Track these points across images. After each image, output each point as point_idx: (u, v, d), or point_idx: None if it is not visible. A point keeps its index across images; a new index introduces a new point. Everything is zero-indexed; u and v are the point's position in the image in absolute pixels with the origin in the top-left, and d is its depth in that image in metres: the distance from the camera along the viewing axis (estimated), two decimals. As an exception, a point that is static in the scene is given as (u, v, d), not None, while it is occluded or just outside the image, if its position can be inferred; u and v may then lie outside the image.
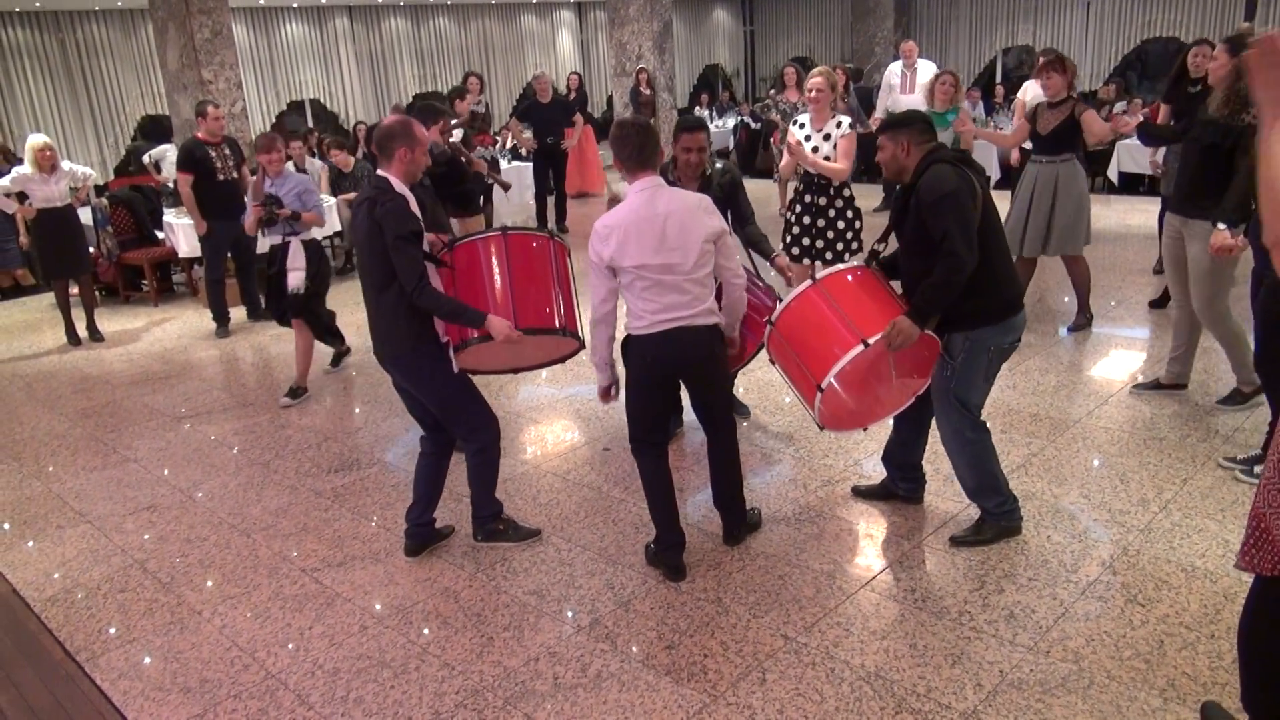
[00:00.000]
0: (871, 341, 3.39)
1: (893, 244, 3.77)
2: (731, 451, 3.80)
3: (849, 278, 3.67)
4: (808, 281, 3.65)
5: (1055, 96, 5.95)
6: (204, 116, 7.49)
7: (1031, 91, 7.82)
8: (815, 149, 5.57)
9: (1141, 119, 5.28)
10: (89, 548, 4.30)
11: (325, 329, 6.24)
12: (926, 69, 10.70)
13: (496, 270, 3.81)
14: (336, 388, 6.28)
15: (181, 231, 8.41)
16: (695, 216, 3.43)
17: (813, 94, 5.59)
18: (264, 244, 5.93)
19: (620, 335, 3.64)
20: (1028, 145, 6.39)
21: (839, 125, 5.53)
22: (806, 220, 5.76)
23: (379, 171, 3.68)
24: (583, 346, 3.97)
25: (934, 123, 6.23)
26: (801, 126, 5.69)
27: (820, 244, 5.73)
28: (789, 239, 5.86)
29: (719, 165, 4.73)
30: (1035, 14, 16.32)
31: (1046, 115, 6.01)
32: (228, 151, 7.60)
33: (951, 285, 3.37)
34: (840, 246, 5.71)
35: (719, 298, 3.68)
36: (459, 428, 3.89)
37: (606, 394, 3.79)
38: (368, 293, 3.73)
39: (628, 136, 3.45)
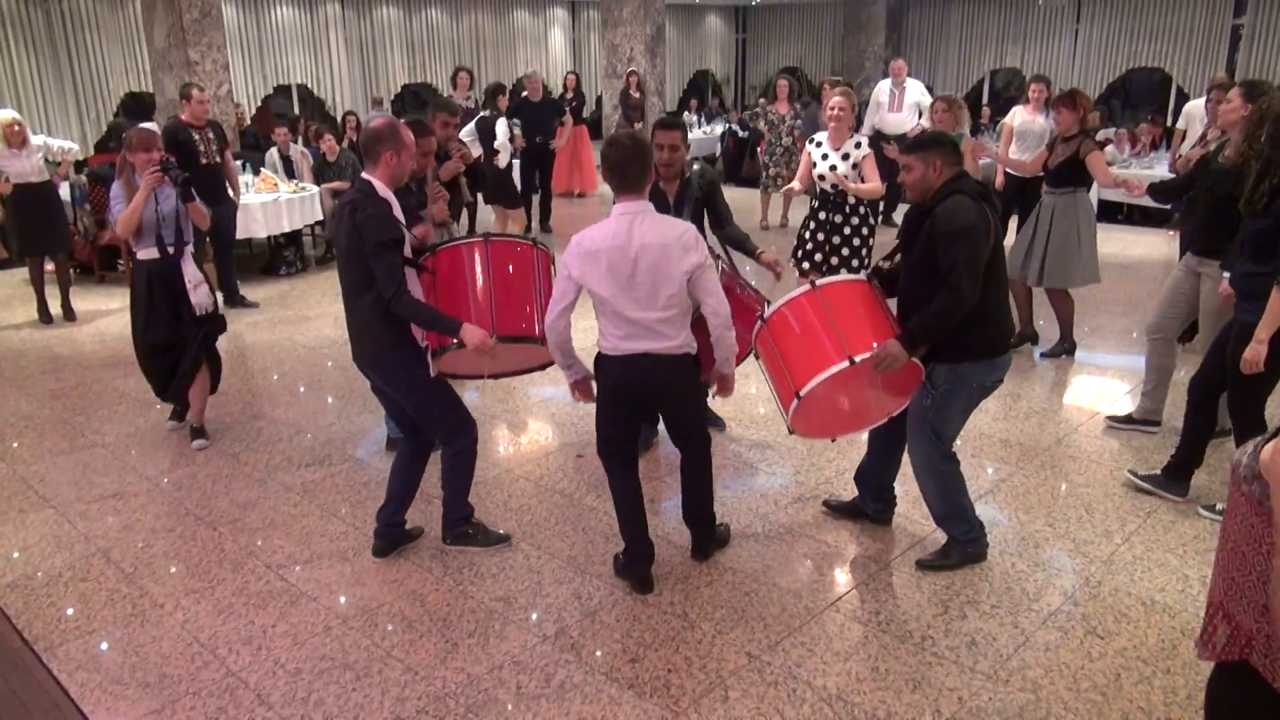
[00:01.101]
0: (858, 360, 3.41)
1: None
2: (703, 466, 3.76)
3: (848, 290, 3.67)
4: (806, 285, 3.65)
5: (1066, 132, 5.98)
6: (188, 99, 7.39)
7: (1020, 118, 7.91)
8: (833, 167, 5.65)
9: (1142, 188, 5.29)
10: (51, 534, 4.25)
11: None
12: (915, 88, 10.79)
13: (478, 277, 3.81)
14: (311, 379, 6.25)
15: None
16: (670, 254, 3.28)
17: (835, 112, 5.68)
18: (143, 253, 4.80)
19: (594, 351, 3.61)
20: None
21: (858, 146, 5.63)
22: (821, 236, 5.86)
23: (364, 174, 3.66)
24: None
25: None
26: (819, 145, 5.76)
27: (835, 260, 5.84)
28: (800, 253, 5.97)
29: (696, 167, 4.76)
30: (1024, 38, 16.46)
31: (1059, 149, 6.06)
32: (211, 135, 7.51)
33: (949, 318, 3.38)
34: (856, 263, 5.80)
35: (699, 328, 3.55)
36: (437, 431, 3.88)
37: (580, 389, 3.68)
38: (346, 295, 3.71)
39: (609, 156, 3.35)
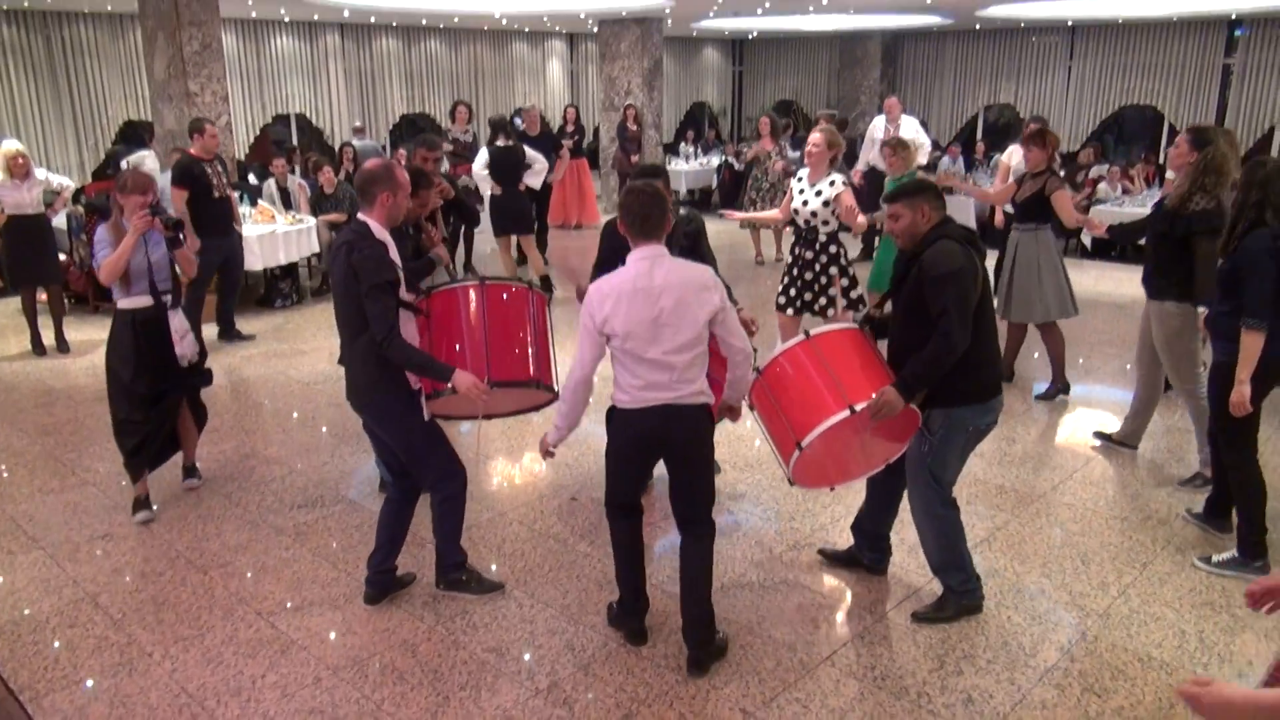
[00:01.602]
0: (858, 408, 3.41)
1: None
2: (705, 560, 3.48)
3: (841, 338, 3.68)
4: (800, 336, 3.65)
5: (1035, 169, 6.13)
6: (200, 133, 7.38)
7: (1017, 156, 8.00)
8: (805, 203, 5.73)
9: (1104, 228, 5.54)
10: (40, 576, 4.20)
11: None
12: (909, 124, 10.89)
13: (473, 320, 3.81)
14: (305, 416, 6.22)
15: None
16: (693, 293, 3.25)
17: (810, 149, 5.75)
18: (130, 300, 4.56)
19: (606, 404, 3.56)
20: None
21: (831, 184, 5.67)
22: (795, 272, 5.93)
23: (360, 215, 3.66)
24: (556, 398, 3.95)
25: (889, 185, 6.52)
26: (799, 180, 5.85)
27: (808, 295, 5.89)
28: (780, 288, 6.03)
29: (683, 213, 4.78)
30: (1018, 75, 16.61)
31: (1026, 184, 6.20)
32: (220, 168, 7.56)
33: (942, 364, 3.40)
34: (824, 301, 5.84)
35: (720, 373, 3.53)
36: (426, 475, 3.85)
37: (547, 447, 3.57)
38: (342, 335, 3.72)
39: (630, 205, 3.32)
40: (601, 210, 14.31)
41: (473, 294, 3.87)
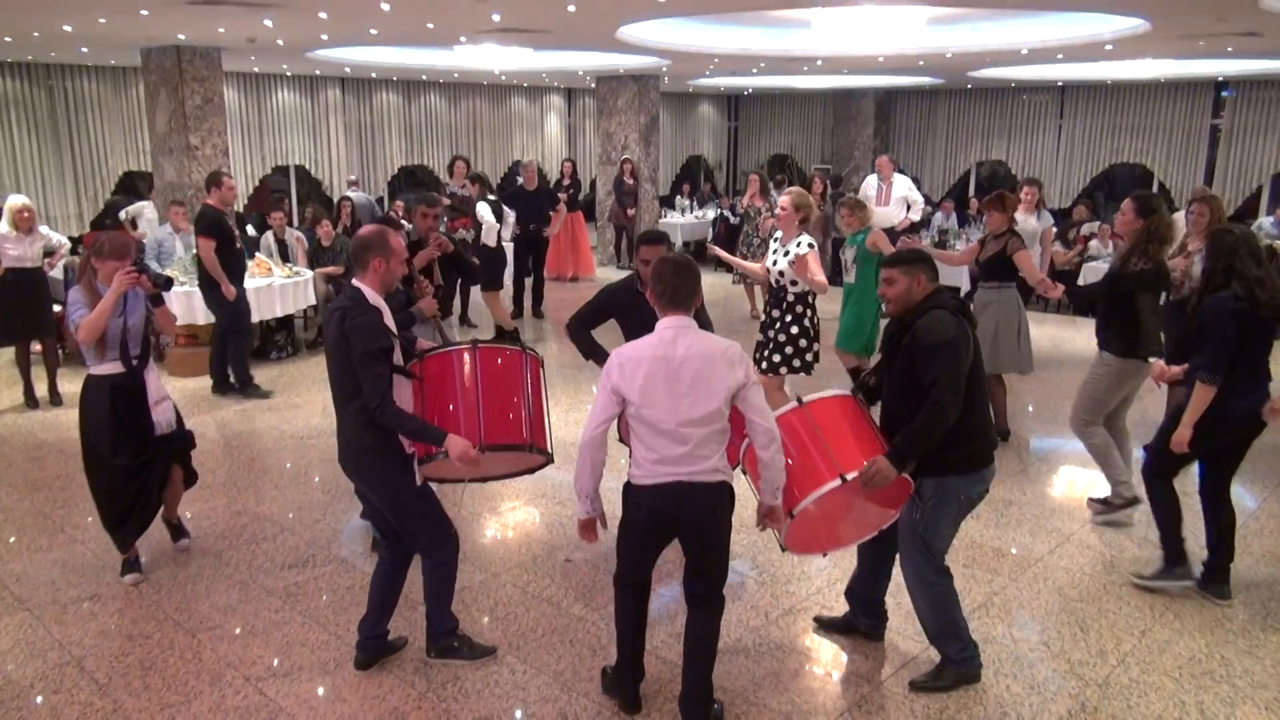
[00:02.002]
0: (849, 477, 3.40)
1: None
2: (711, 633, 3.44)
3: (833, 406, 3.68)
4: (793, 403, 3.66)
5: (995, 230, 6.38)
6: (219, 185, 7.54)
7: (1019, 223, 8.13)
8: (774, 263, 5.90)
9: (1060, 291, 5.73)
10: (25, 639, 4.14)
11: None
12: (901, 183, 11.07)
13: (465, 384, 3.81)
14: (297, 472, 6.19)
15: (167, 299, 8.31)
16: (715, 366, 3.20)
17: (779, 212, 5.92)
18: (103, 367, 4.47)
19: (622, 478, 3.48)
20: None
21: (798, 245, 5.78)
22: (766, 332, 6.08)
23: (354, 281, 3.67)
24: (550, 461, 3.95)
25: (851, 243, 6.70)
26: (776, 239, 6.00)
27: (776, 357, 5.97)
28: (755, 351, 6.12)
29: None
30: (1009, 133, 16.88)
31: (989, 245, 6.47)
32: (233, 221, 7.80)
33: (933, 433, 3.40)
34: (795, 360, 5.91)
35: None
36: (417, 541, 3.82)
37: (587, 529, 3.44)
38: (335, 400, 3.70)
39: (663, 275, 3.32)
40: (597, 262, 14.40)
41: (466, 357, 3.87)
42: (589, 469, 3.35)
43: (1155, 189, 15.57)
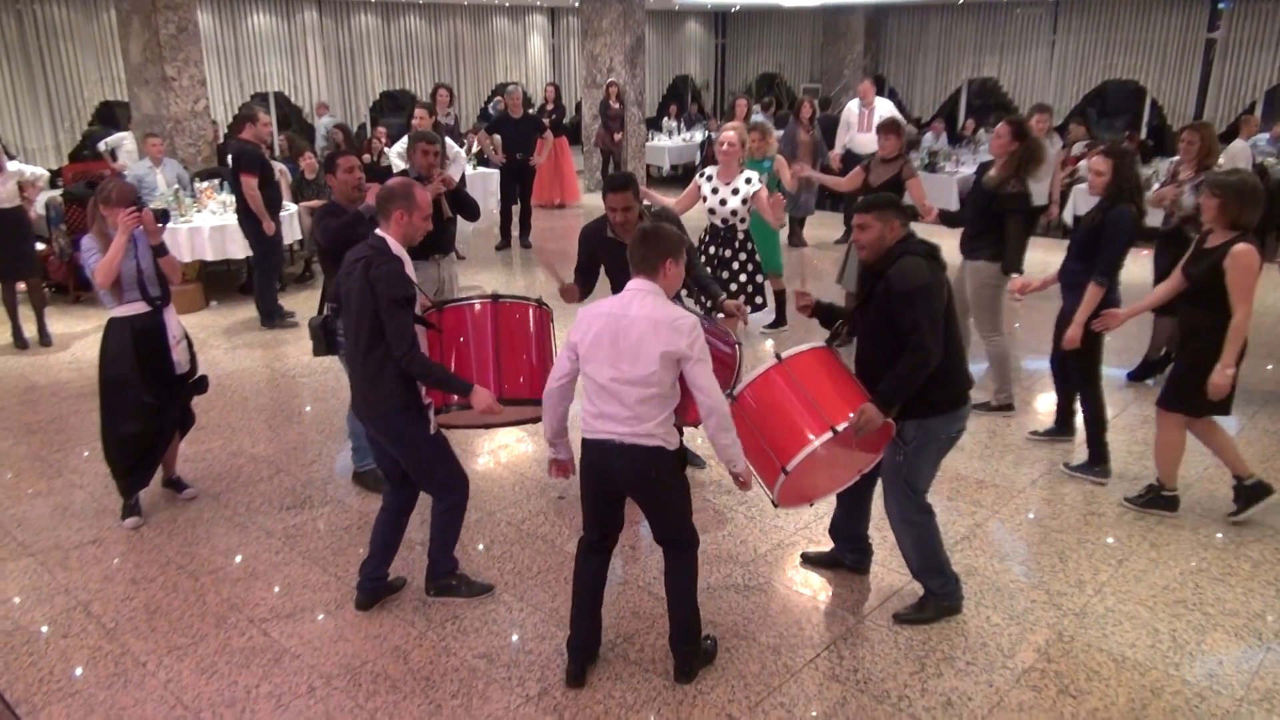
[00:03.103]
0: (840, 429, 3.47)
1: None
2: (685, 577, 3.48)
3: (812, 358, 3.72)
4: (771, 360, 3.71)
5: (888, 155, 6.60)
6: (254, 121, 7.68)
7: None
8: (724, 202, 5.73)
9: (935, 213, 6.17)
10: (32, 584, 4.23)
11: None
12: (883, 106, 10.90)
13: (483, 336, 3.86)
14: (290, 412, 6.24)
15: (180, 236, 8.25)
16: (659, 331, 3.16)
17: (725, 148, 5.73)
18: (125, 308, 4.54)
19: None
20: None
21: (748, 181, 5.70)
22: (725, 274, 5.96)
23: (377, 231, 3.72)
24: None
25: (753, 168, 6.77)
26: (709, 180, 5.83)
27: (741, 297, 5.93)
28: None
29: (654, 209, 4.78)
30: (1001, 49, 16.58)
31: (879, 169, 6.66)
32: (270, 154, 8.00)
33: (917, 376, 3.46)
34: (743, 298, 5.90)
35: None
36: (431, 486, 3.91)
37: (554, 467, 3.56)
38: (353, 350, 3.75)
39: (632, 243, 3.30)
40: (583, 188, 14.26)
41: (483, 311, 3.92)
42: (550, 418, 3.43)
43: (1148, 106, 15.43)
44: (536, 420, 4.13)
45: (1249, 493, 4.65)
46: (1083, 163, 12.15)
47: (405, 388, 3.66)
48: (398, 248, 3.67)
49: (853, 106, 10.99)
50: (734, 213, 5.75)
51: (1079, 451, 5.47)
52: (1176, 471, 4.74)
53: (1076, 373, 5.21)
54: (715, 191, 5.79)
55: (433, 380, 3.64)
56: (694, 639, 3.55)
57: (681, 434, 3.83)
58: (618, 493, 3.43)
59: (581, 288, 4.74)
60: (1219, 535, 4.57)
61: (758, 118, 13.68)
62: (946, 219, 6.19)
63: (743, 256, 5.92)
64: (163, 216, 4.63)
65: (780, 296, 7.50)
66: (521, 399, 3.83)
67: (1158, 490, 4.78)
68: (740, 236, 5.86)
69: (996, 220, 5.61)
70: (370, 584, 4.03)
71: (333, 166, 4.82)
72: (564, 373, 3.37)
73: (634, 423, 3.22)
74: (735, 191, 5.73)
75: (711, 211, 5.86)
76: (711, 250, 5.95)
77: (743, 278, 5.94)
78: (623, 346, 3.21)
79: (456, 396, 3.68)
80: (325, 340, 4.53)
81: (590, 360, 3.27)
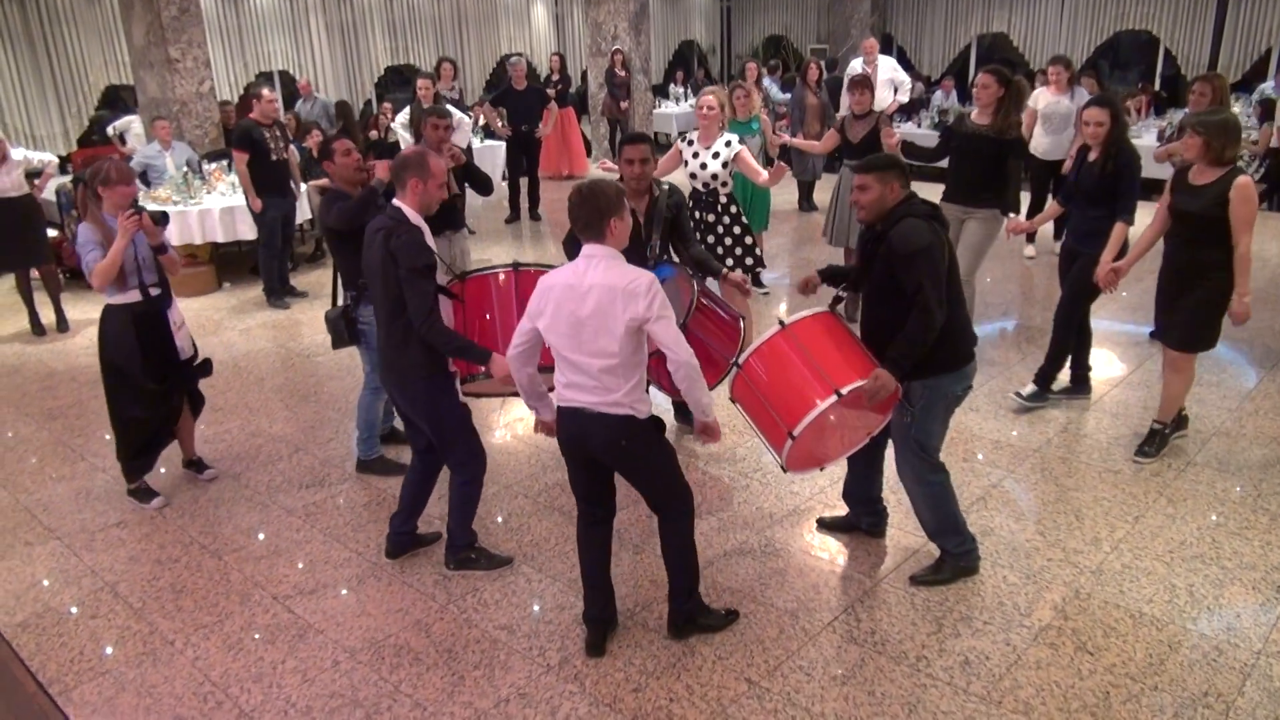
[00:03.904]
0: (845, 391, 3.47)
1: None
2: (677, 540, 3.49)
3: (815, 323, 3.72)
4: (775, 327, 3.70)
5: (861, 110, 6.85)
6: (259, 99, 7.81)
7: (1044, 100, 8.08)
8: (704, 166, 5.73)
9: (898, 138, 6.49)
10: (59, 567, 4.30)
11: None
12: (887, 65, 10.77)
13: (506, 305, 3.90)
14: (307, 390, 6.28)
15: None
16: (615, 299, 3.11)
17: (705, 111, 5.75)
18: (122, 296, 4.51)
19: None
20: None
21: (728, 144, 5.70)
22: (711, 239, 5.95)
23: (394, 201, 3.77)
24: None
25: (738, 131, 6.80)
26: (690, 144, 5.81)
27: (730, 260, 5.95)
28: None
29: (666, 186, 4.78)
30: (1010, 2, 16.33)
31: (854, 126, 6.86)
32: (278, 132, 7.91)
33: (926, 338, 3.46)
34: (731, 262, 5.89)
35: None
36: (451, 457, 4.00)
37: (544, 427, 3.59)
38: (379, 318, 3.84)
39: (570, 205, 3.27)
40: (592, 159, 14.19)
41: (505, 279, 3.95)
42: (520, 382, 3.46)
43: (1161, 56, 15.18)
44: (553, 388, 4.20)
45: (1163, 439, 4.95)
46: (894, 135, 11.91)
47: (430, 356, 3.72)
48: (416, 217, 3.72)
49: (856, 64, 10.85)
50: (715, 176, 5.75)
51: (1093, 408, 5.46)
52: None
53: (1067, 305, 5.36)
54: (696, 156, 5.79)
55: (452, 349, 3.69)
56: (685, 595, 3.57)
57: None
58: (596, 461, 3.42)
59: (567, 252, 4.75)
60: (1237, 489, 4.56)
61: (767, 81, 13.56)
62: (912, 151, 6.37)
63: (727, 220, 5.92)
64: (161, 218, 4.59)
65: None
66: (544, 367, 3.84)
67: (1162, 429, 4.90)
68: (723, 200, 5.86)
69: (1001, 163, 5.77)
70: (399, 536, 4.21)
71: (329, 153, 4.77)
72: (523, 339, 3.35)
73: (601, 392, 3.22)
74: (715, 155, 5.72)
75: (693, 176, 5.86)
76: (697, 215, 5.94)
77: (729, 240, 5.93)
78: (582, 317, 3.16)
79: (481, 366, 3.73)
80: (347, 331, 4.55)
81: (551, 332, 3.25)
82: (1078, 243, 5.26)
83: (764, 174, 5.77)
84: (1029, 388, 5.53)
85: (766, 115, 7.40)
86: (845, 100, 10.89)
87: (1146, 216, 4.89)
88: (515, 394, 4.28)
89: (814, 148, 7.55)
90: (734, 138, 5.75)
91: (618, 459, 3.37)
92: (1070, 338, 5.44)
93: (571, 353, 3.22)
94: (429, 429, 3.91)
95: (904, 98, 10.94)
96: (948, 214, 5.71)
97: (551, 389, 3.57)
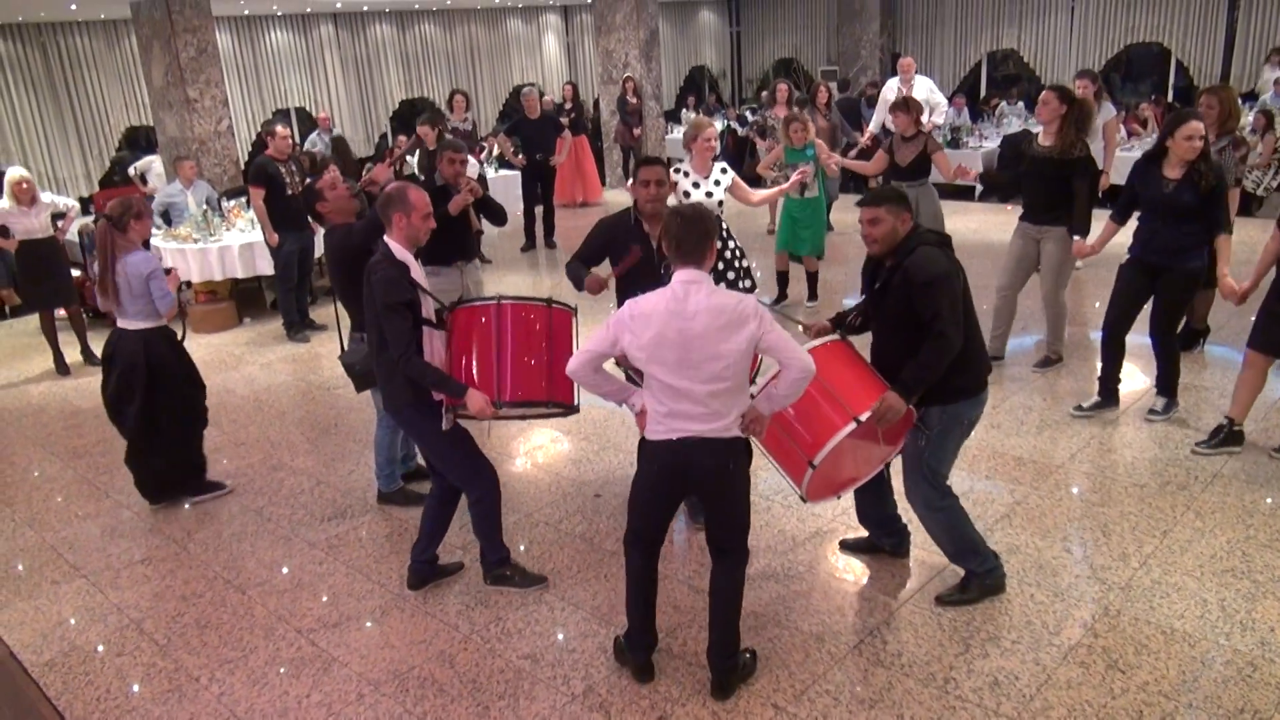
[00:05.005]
0: (863, 419, 3.46)
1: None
2: (734, 587, 3.40)
3: (828, 352, 3.71)
4: None
5: (906, 132, 6.96)
6: (272, 136, 7.90)
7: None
8: (709, 194, 5.80)
9: (975, 173, 6.48)
10: (85, 605, 4.33)
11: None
12: (923, 84, 10.77)
13: (490, 337, 3.89)
14: (328, 423, 6.31)
15: (184, 258, 8.37)
16: (726, 325, 3.09)
17: (707, 144, 5.76)
18: (134, 322, 5.04)
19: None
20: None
21: (724, 171, 5.77)
22: (716, 267, 5.95)
23: (384, 238, 3.85)
24: (574, 410, 4.05)
25: (793, 159, 6.90)
26: (686, 175, 5.82)
27: (722, 284, 5.92)
28: None
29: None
30: (1020, 18, 16.37)
31: (903, 149, 6.99)
32: (294, 168, 7.98)
33: (940, 364, 3.47)
34: (745, 280, 5.90)
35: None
36: (452, 477, 4.06)
37: (643, 419, 3.38)
38: (372, 347, 3.95)
39: (669, 227, 3.20)
40: (605, 186, 14.27)
41: (491, 313, 3.95)
42: (598, 389, 3.35)
43: (1173, 67, 15.15)
44: (549, 417, 4.26)
45: (1231, 436, 4.99)
46: (968, 168, 11.91)
47: (414, 384, 3.80)
48: (402, 253, 3.79)
49: (892, 84, 10.86)
50: (720, 203, 5.80)
51: (1118, 422, 5.41)
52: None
53: (1166, 319, 5.31)
54: (697, 186, 5.80)
55: (428, 383, 3.74)
56: (733, 653, 3.44)
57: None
58: (685, 492, 3.38)
59: (570, 275, 4.73)
60: (1268, 500, 4.50)
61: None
62: (990, 180, 6.40)
63: (732, 244, 5.95)
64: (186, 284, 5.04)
65: (780, 277, 8.20)
66: (525, 402, 3.87)
67: (1228, 426, 4.99)
68: (725, 225, 5.92)
69: (1066, 186, 5.75)
70: (419, 565, 4.23)
71: (317, 197, 4.72)
72: (594, 354, 3.24)
73: (712, 419, 3.16)
74: (717, 183, 5.79)
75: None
76: None
77: (728, 257, 5.95)
78: (690, 347, 3.11)
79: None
80: (368, 374, 4.51)
81: (657, 362, 3.15)
82: (1165, 259, 5.15)
83: (756, 195, 5.98)
84: (1160, 401, 5.48)
85: (941, 118, 7.71)
86: (880, 114, 10.92)
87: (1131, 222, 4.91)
88: (504, 418, 4.28)
89: (865, 169, 7.56)
90: (725, 165, 5.84)
91: (720, 482, 3.28)
92: (1176, 346, 5.43)
93: (678, 379, 3.14)
94: (426, 451, 4.07)
95: (938, 119, 10.92)
96: (1024, 233, 6.11)
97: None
